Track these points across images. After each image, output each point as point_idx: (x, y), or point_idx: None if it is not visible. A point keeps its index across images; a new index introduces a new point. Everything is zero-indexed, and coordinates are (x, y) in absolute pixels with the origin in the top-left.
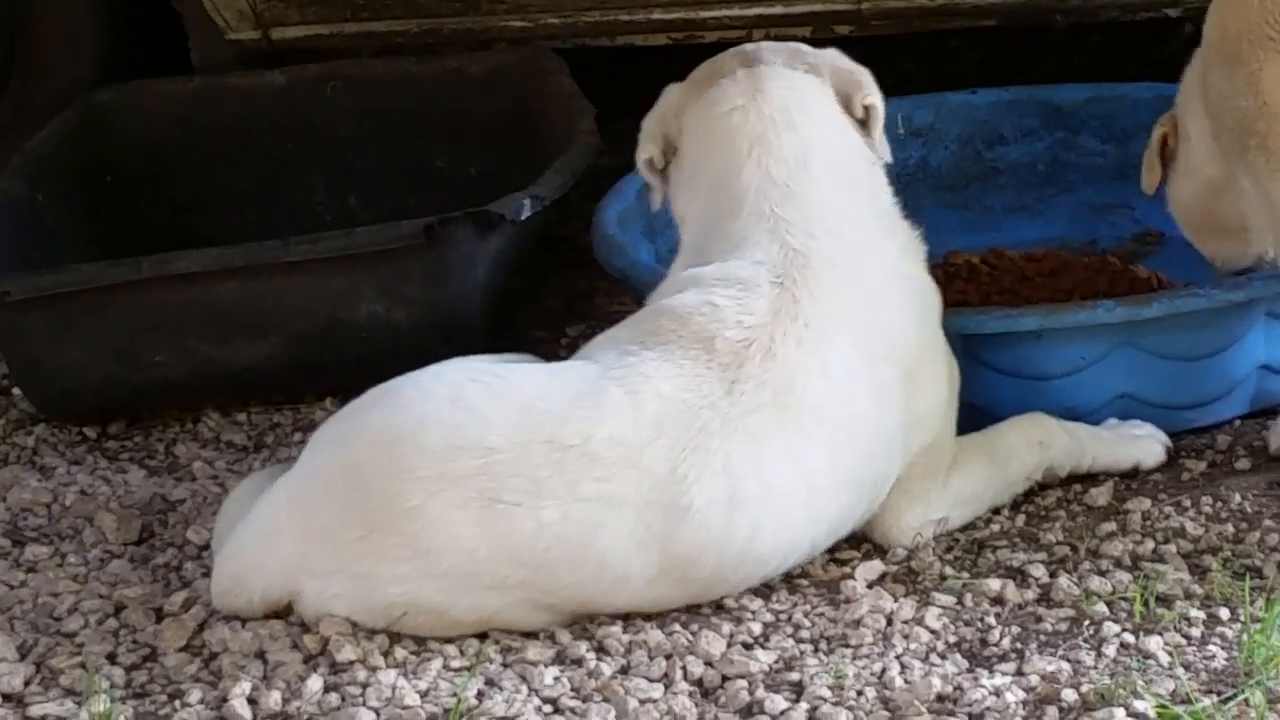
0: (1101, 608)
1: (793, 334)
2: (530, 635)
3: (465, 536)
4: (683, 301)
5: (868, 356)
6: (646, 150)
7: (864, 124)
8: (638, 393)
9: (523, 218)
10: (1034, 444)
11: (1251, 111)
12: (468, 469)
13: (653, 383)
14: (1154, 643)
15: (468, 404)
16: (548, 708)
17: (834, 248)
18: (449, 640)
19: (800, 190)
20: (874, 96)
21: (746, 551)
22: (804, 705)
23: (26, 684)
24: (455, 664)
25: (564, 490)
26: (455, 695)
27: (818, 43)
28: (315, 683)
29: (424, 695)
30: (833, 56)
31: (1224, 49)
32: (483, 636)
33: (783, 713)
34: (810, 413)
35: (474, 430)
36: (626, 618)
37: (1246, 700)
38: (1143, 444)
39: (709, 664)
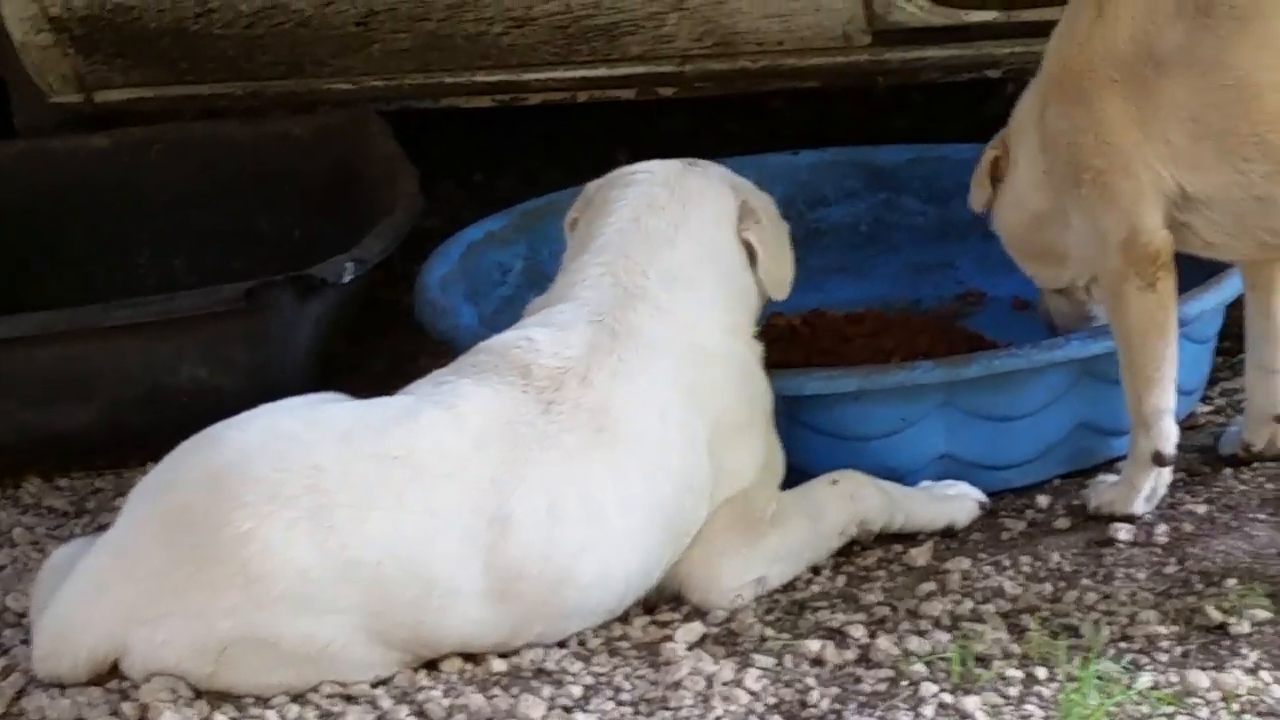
0: (920, 668)
1: (608, 366)
2: (350, 700)
3: (297, 557)
4: (501, 339)
5: (684, 405)
6: (572, 212)
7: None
8: (456, 408)
9: (345, 280)
10: (845, 498)
11: (1089, 147)
12: (295, 489)
13: (471, 402)
14: (972, 702)
15: (288, 433)
16: None
17: (667, 297)
18: (268, 704)
19: (659, 241)
20: (752, 235)
21: (568, 570)
22: None
23: None
24: None
25: (391, 502)
26: None
27: (642, 105)
28: None
29: None
30: (749, 187)
31: (1064, 85)
32: (302, 700)
33: None
34: (626, 440)
35: (298, 453)
36: (448, 683)
37: None
38: (957, 503)
39: None
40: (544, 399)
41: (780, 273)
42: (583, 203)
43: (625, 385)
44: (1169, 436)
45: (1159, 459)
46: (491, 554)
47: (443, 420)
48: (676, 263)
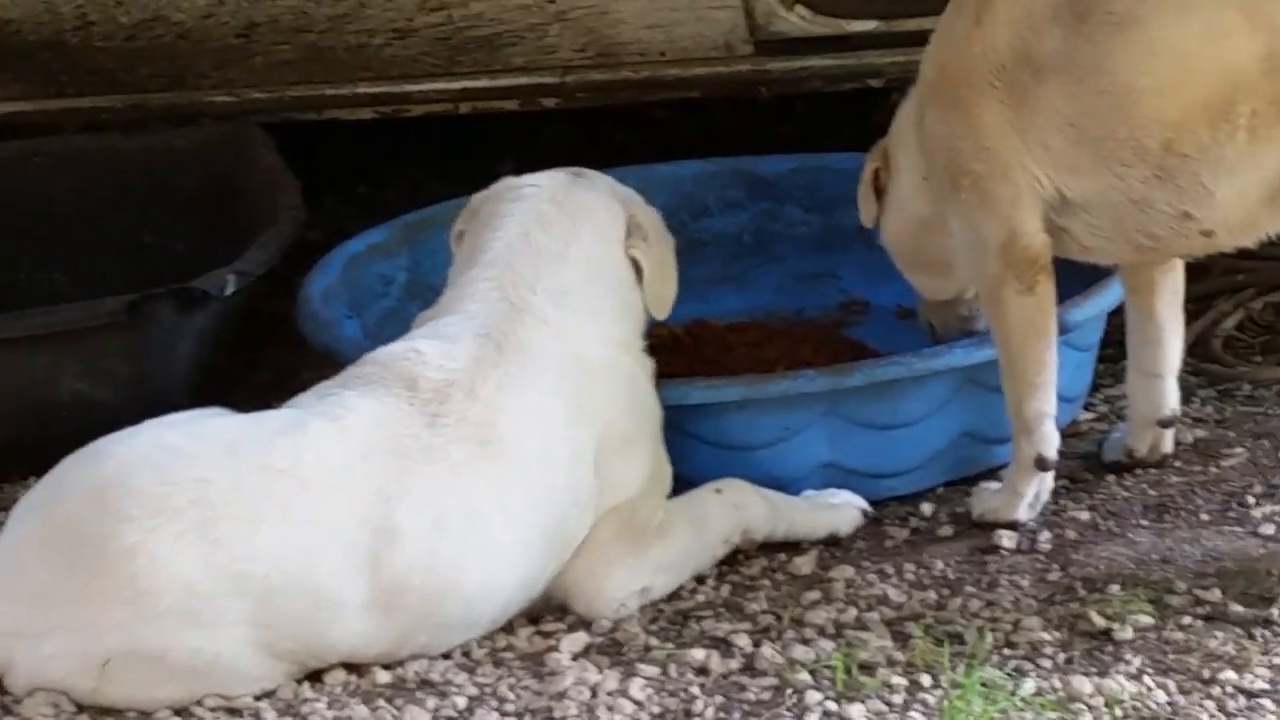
0: (805, 676)
1: (494, 379)
2: (234, 713)
3: (184, 571)
4: (387, 351)
5: (570, 419)
6: (458, 224)
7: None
8: (341, 420)
9: (227, 293)
10: (728, 506)
11: (968, 153)
12: (181, 502)
13: (356, 414)
14: (856, 710)
15: (172, 447)
16: None
17: (554, 312)
18: (151, 719)
19: (548, 257)
20: (639, 252)
21: (452, 582)
22: None
23: None
24: None
25: (278, 515)
26: None
27: (525, 115)
28: None
29: None
30: (639, 202)
31: (942, 91)
32: (186, 713)
33: None
34: (511, 453)
35: (183, 466)
36: (332, 695)
37: None
38: (840, 511)
39: None
40: (429, 411)
41: (664, 291)
42: (469, 215)
43: (511, 399)
44: (1051, 441)
45: (1041, 463)
46: (377, 565)
47: (328, 432)
48: (565, 278)
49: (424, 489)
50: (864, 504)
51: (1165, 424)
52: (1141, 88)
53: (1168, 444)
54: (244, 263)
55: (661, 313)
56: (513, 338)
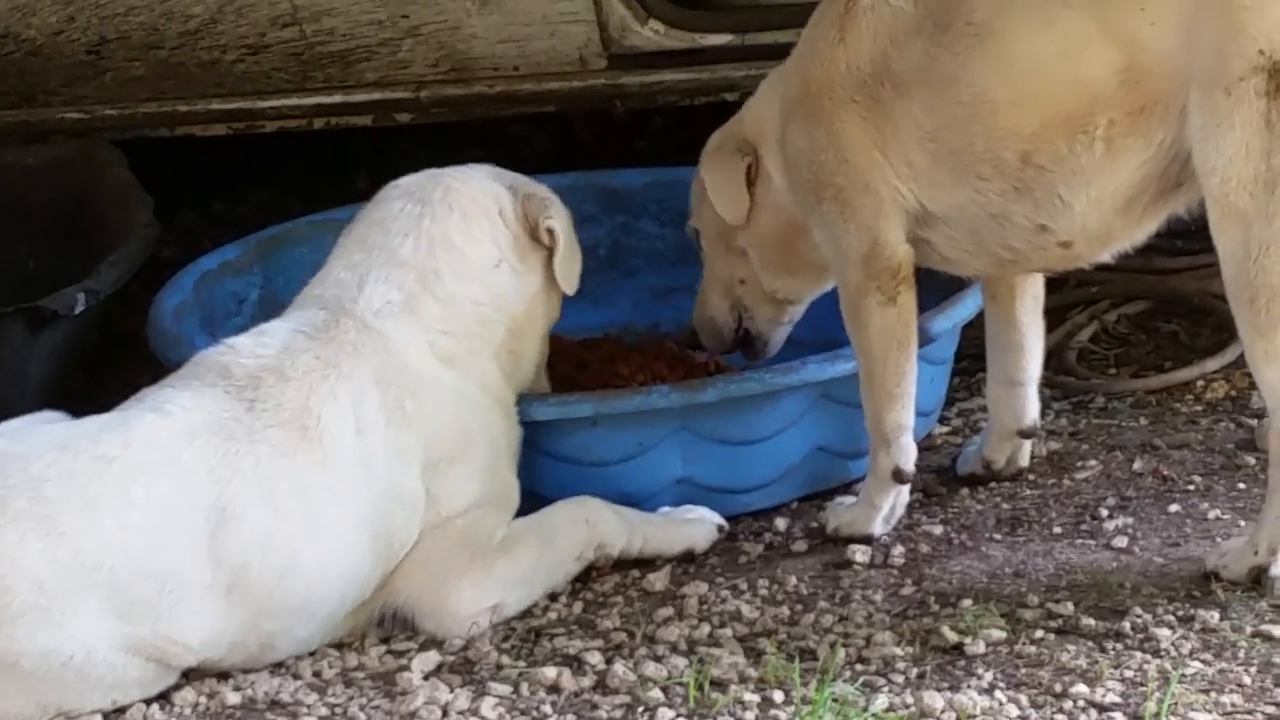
0: (657, 693)
1: (303, 362)
2: None
3: (32, 570)
4: (203, 351)
5: (389, 421)
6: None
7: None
8: (163, 409)
9: (77, 312)
10: (580, 522)
11: (831, 165)
12: (21, 503)
13: (176, 403)
14: None
15: (5, 452)
16: None
17: (373, 319)
18: None
19: (380, 261)
20: (556, 222)
21: (289, 560)
22: None
23: None
24: None
25: (116, 501)
26: None
27: (380, 131)
28: None
29: None
30: (533, 183)
31: (806, 104)
32: None
33: None
34: (329, 438)
35: (16, 468)
36: (181, 715)
37: None
38: (695, 527)
39: None
40: (246, 397)
41: (574, 265)
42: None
43: (323, 383)
44: (909, 453)
45: (899, 476)
46: (214, 544)
47: (152, 420)
48: (394, 285)
49: (252, 469)
50: (719, 520)
51: (1026, 434)
52: (1000, 99)
53: (1025, 456)
54: (94, 281)
55: (571, 288)
56: (327, 332)
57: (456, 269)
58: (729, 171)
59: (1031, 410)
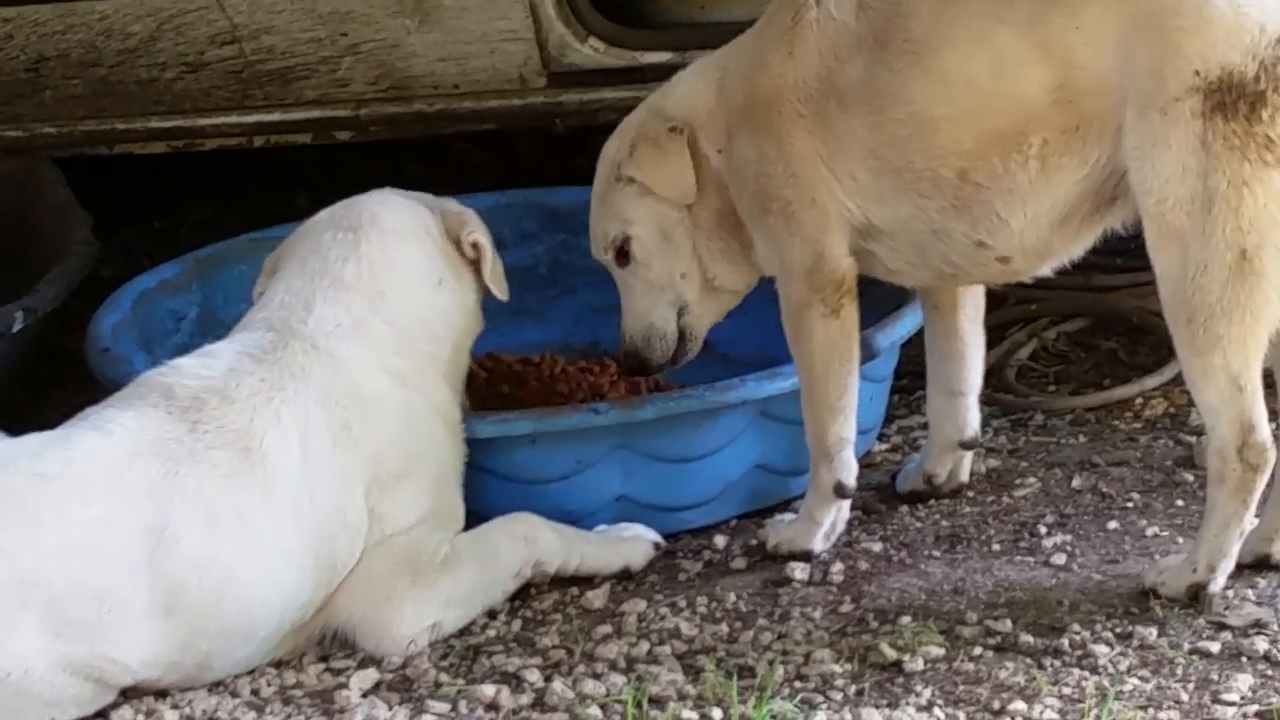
0: (595, 711)
1: (248, 385)
2: None
3: None
4: (146, 373)
5: (334, 441)
6: (269, 261)
7: (475, 263)
8: (104, 428)
9: (14, 330)
10: (519, 539)
11: (778, 179)
12: None
13: (118, 423)
14: None
15: None
16: None
17: (324, 340)
18: None
19: (324, 284)
20: (479, 235)
21: (227, 581)
22: None
23: None
24: None
25: (55, 518)
26: None
27: (320, 149)
28: None
29: None
30: (445, 200)
31: (752, 116)
32: None
33: None
34: (271, 461)
35: None
36: None
37: None
38: (632, 544)
39: None
40: (189, 419)
41: (501, 272)
42: (281, 247)
43: (268, 405)
44: (850, 468)
45: (841, 490)
46: (153, 563)
47: (93, 438)
48: (341, 306)
49: (192, 489)
50: (657, 537)
51: (967, 446)
52: (937, 116)
53: (965, 470)
54: (32, 299)
55: (504, 294)
56: (274, 354)
57: (400, 290)
58: (670, 152)
59: (973, 421)
